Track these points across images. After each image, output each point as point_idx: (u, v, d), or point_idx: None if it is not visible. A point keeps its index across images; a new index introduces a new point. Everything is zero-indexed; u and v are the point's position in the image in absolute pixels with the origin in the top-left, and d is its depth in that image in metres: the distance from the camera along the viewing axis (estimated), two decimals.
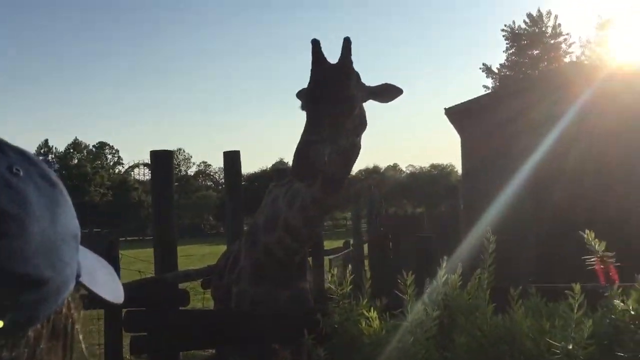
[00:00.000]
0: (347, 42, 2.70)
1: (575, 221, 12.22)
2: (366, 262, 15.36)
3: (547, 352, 1.53)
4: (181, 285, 6.42)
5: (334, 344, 1.75)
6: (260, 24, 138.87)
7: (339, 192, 3.01)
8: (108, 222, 54.80)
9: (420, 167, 75.83)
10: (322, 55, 2.68)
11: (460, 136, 16.16)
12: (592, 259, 1.72)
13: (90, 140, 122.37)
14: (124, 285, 0.81)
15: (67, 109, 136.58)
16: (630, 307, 1.39)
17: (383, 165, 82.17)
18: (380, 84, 2.92)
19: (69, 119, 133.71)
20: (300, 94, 2.88)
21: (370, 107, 2.96)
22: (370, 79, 2.95)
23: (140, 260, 12.51)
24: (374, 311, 1.60)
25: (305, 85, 2.77)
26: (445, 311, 1.90)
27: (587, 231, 1.71)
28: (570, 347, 1.47)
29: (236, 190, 7.65)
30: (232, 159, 7.68)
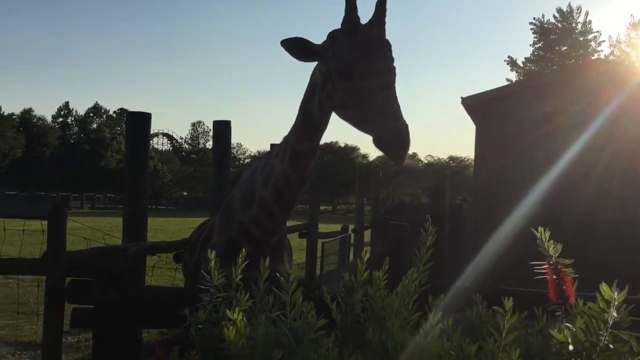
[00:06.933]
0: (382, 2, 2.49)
1: (598, 226, 11.60)
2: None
3: None
4: (153, 258, 6.12)
5: (198, 348, 1.36)
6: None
7: (308, 166, 2.83)
8: (122, 188, 54.70)
9: (439, 158, 74.98)
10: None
11: (476, 128, 15.55)
12: (543, 266, 1.30)
13: (111, 106, 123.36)
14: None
15: (90, 73, 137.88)
16: (569, 340, 0.96)
17: None
18: None
19: (91, 82, 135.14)
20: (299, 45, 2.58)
21: None
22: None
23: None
24: (239, 313, 1.19)
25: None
26: (363, 315, 1.50)
27: (540, 229, 1.29)
28: None
29: (223, 163, 7.27)
30: (221, 129, 7.28)
